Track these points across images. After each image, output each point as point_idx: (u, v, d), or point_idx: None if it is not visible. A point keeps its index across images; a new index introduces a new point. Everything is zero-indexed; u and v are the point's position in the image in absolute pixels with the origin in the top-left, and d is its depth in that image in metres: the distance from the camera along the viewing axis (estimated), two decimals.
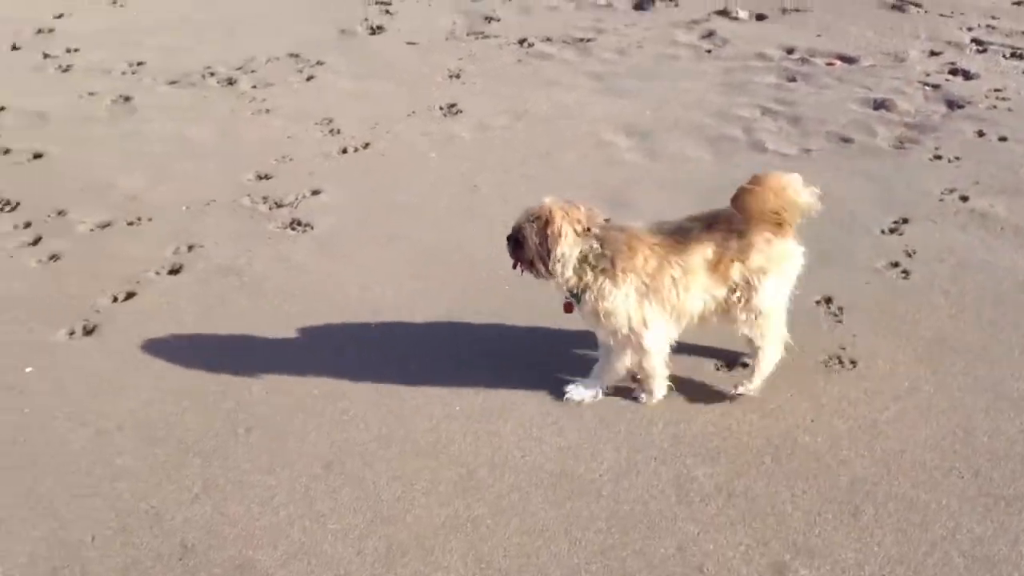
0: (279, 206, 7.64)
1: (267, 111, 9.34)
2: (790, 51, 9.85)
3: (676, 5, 11.29)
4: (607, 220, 5.16)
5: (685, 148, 8.16)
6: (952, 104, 8.52)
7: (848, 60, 9.56)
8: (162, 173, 8.27)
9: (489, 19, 11.28)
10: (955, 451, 4.90)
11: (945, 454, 4.89)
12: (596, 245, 4.96)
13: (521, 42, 10.57)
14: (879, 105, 8.56)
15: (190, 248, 7.12)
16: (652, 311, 5.04)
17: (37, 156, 8.69)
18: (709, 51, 10.08)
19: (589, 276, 4.97)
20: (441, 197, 7.63)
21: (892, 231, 6.76)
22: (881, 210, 7.00)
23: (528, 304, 6.00)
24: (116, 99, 9.79)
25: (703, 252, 4.96)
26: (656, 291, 4.98)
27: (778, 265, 4.99)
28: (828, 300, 6.05)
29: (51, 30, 11.73)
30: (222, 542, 4.70)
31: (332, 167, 8.23)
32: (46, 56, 10.96)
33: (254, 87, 9.87)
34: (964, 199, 7.08)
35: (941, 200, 7.09)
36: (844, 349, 5.63)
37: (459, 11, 11.53)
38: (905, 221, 6.84)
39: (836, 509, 4.61)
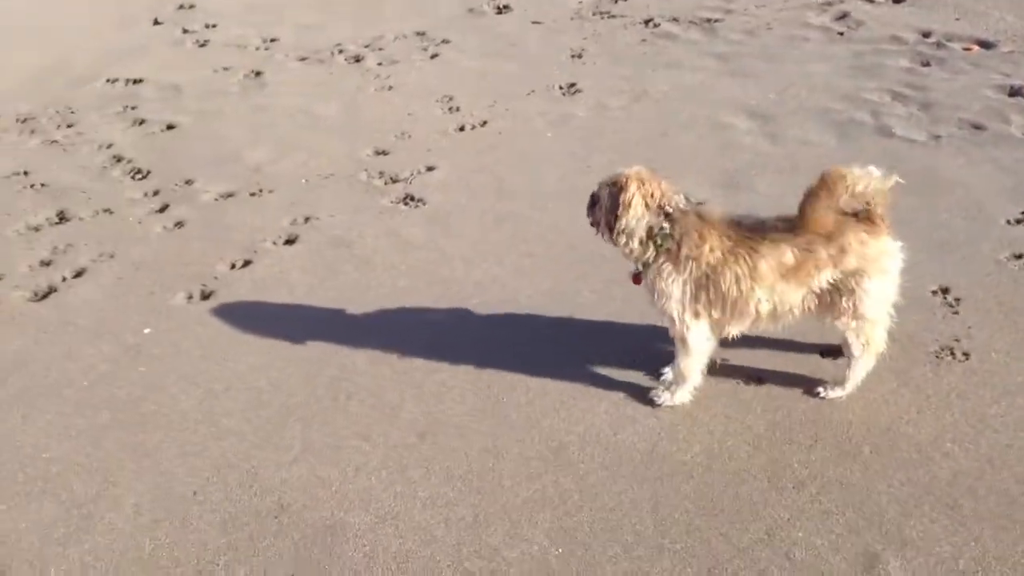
0: (394, 181, 7.76)
1: (390, 88, 9.47)
2: (926, 35, 9.47)
3: None
4: (699, 204, 5.01)
5: (808, 132, 7.95)
6: None
7: (986, 45, 9.15)
8: (286, 146, 8.49)
9: None
10: None
11: None
12: (665, 224, 4.78)
13: (647, 22, 10.44)
14: (1015, 92, 8.17)
15: (306, 220, 7.31)
16: (705, 305, 4.85)
17: (170, 127, 9.05)
18: (841, 33, 9.78)
19: (651, 252, 4.83)
20: (553, 176, 7.63)
21: (1019, 222, 6.46)
22: (1010, 200, 6.69)
23: (631, 287, 5.94)
24: (248, 74, 10.09)
25: (780, 254, 4.68)
26: (716, 285, 4.76)
27: (877, 265, 4.71)
28: (945, 290, 5.84)
29: (191, 6, 12.15)
30: (316, 503, 4.83)
31: (449, 144, 8.31)
32: (185, 31, 11.37)
33: (379, 64, 10.02)
34: None
35: None
36: (958, 341, 5.43)
37: None
38: None
39: (934, 501, 4.47)
